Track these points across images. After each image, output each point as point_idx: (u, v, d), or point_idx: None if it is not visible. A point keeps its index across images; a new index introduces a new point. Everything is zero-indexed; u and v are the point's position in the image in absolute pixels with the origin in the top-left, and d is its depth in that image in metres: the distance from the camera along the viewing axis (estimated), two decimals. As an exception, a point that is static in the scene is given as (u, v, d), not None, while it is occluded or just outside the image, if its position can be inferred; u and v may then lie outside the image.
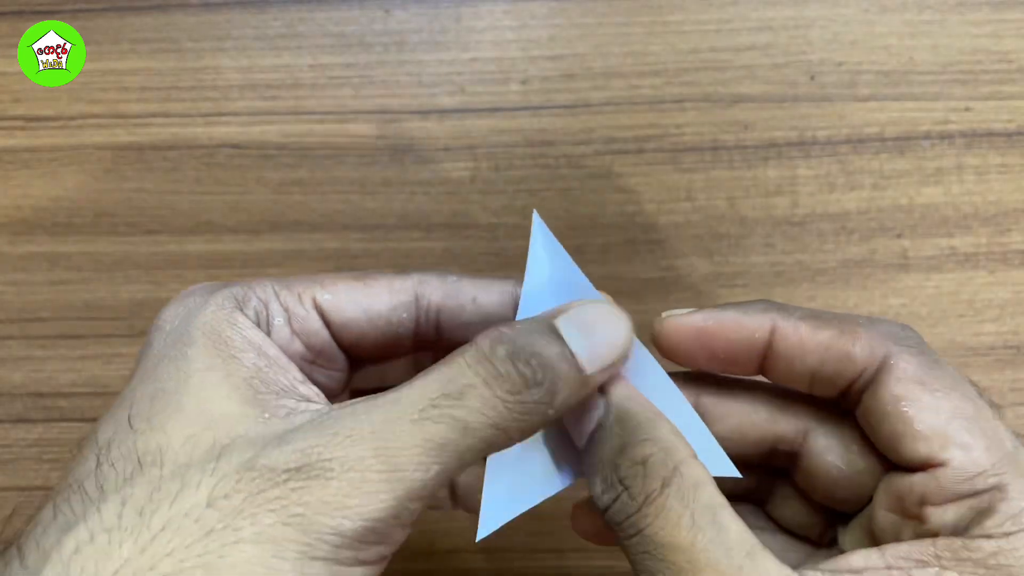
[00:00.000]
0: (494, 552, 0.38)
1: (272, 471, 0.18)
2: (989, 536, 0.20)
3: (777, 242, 0.38)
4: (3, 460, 0.38)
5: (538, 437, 0.24)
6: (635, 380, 0.23)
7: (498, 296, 0.24)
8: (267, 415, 0.19)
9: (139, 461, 0.18)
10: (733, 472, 0.23)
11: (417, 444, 0.19)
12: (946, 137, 0.38)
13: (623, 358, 0.22)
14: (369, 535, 0.18)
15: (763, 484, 0.26)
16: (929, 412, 0.21)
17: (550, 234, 0.24)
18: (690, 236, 0.38)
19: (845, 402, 0.23)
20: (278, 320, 0.22)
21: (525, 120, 0.38)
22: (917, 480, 0.21)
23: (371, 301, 0.23)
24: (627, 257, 0.38)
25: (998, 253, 0.38)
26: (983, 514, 0.20)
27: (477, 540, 0.22)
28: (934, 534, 0.20)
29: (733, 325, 0.23)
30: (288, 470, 0.18)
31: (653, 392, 0.23)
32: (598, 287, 0.38)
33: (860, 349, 0.22)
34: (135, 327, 0.38)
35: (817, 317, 0.23)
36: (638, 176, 0.38)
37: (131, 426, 0.19)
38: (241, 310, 0.22)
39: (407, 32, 0.39)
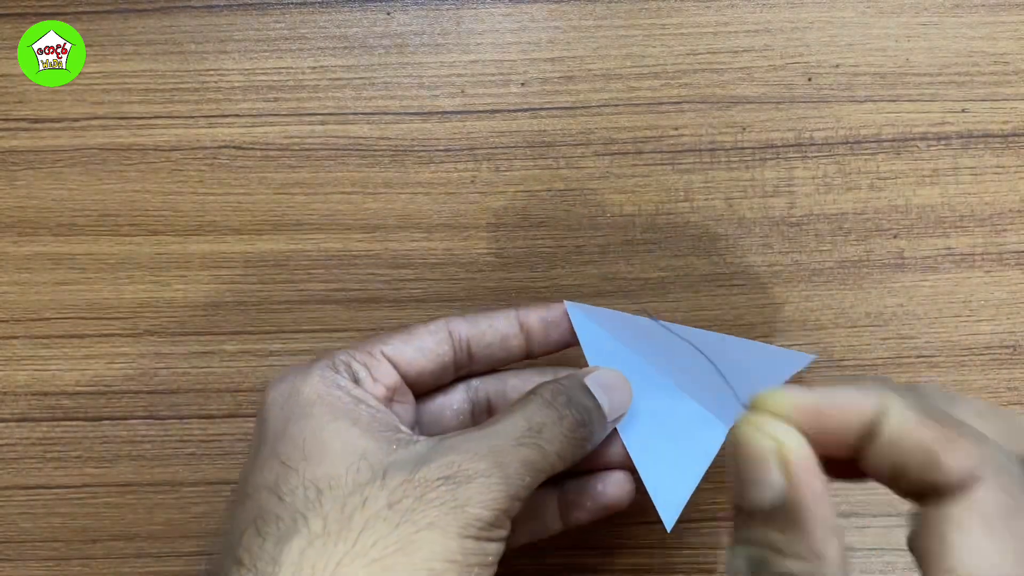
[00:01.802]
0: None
1: (428, 480, 0.25)
2: None
3: (774, 242, 0.38)
4: (6, 459, 0.38)
5: (669, 423, 0.32)
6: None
7: (505, 320, 0.32)
8: (394, 447, 0.26)
9: (317, 487, 0.25)
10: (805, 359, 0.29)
11: (518, 461, 0.26)
12: (942, 138, 0.38)
13: (625, 414, 0.31)
14: (497, 520, 0.25)
15: None
16: (970, 551, 0.19)
17: (587, 311, 0.33)
18: (688, 236, 0.38)
19: (915, 499, 0.21)
20: (362, 373, 0.29)
21: (525, 121, 0.39)
22: None
23: (420, 342, 0.31)
24: (626, 257, 0.38)
25: (994, 253, 0.38)
26: None
27: (668, 530, 0.30)
28: None
29: (843, 404, 0.22)
30: (440, 478, 0.25)
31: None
32: (598, 287, 0.38)
33: (956, 464, 0.20)
34: (138, 326, 0.38)
35: (928, 413, 0.21)
36: (637, 177, 0.38)
37: (291, 467, 0.26)
38: (336, 372, 0.28)
39: (408, 34, 0.39)
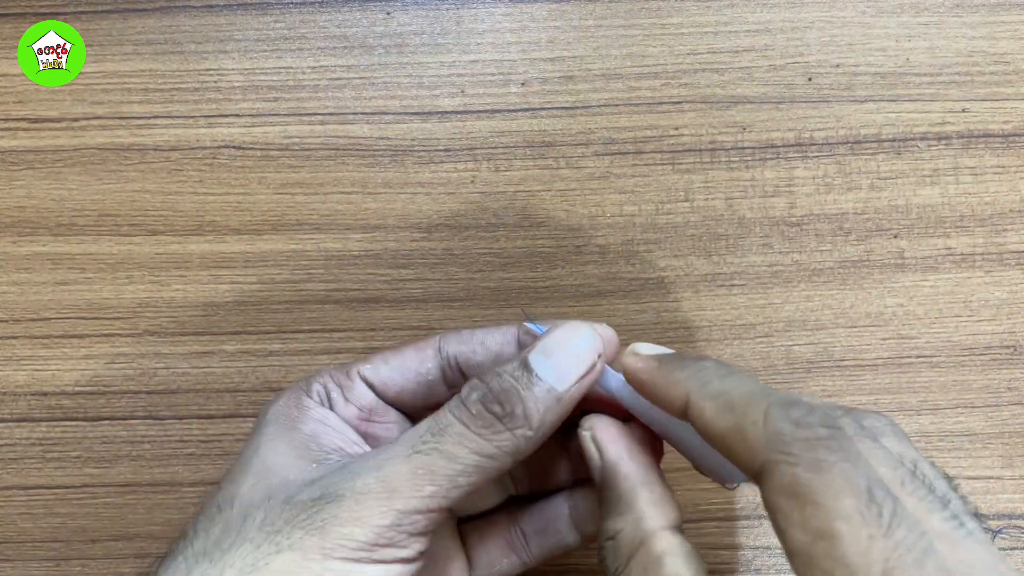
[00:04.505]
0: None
1: (302, 502, 0.24)
2: None
3: (775, 242, 0.38)
4: (7, 459, 0.38)
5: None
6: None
7: (501, 336, 0.29)
8: (315, 465, 0.25)
9: (219, 507, 0.25)
10: (735, 476, 0.25)
11: (409, 471, 0.24)
12: (943, 138, 0.38)
13: (590, 370, 0.26)
14: (378, 539, 0.23)
15: None
16: (797, 530, 0.20)
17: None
18: (688, 236, 0.38)
19: None
20: (335, 394, 0.29)
21: (525, 121, 0.38)
22: None
23: (401, 361, 0.29)
24: (626, 257, 0.38)
25: (994, 253, 0.38)
26: None
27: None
28: None
29: (660, 386, 0.25)
30: (313, 499, 0.24)
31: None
32: (598, 287, 0.38)
33: (744, 450, 0.22)
34: (138, 327, 0.38)
35: (726, 398, 0.23)
36: (637, 177, 0.38)
37: (218, 487, 0.26)
38: (307, 394, 0.28)
39: (408, 34, 0.39)
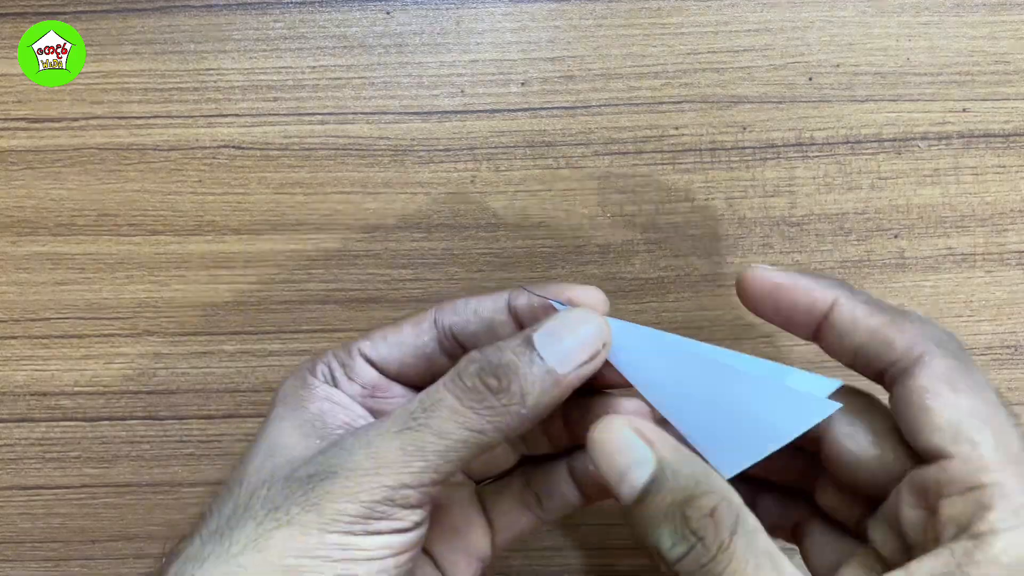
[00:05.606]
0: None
1: (299, 479, 0.25)
2: (994, 531, 0.22)
3: (775, 242, 0.38)
4: (6, 459, 0.38)
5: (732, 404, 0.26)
6: (667, 363, 0.27)
7: (492, 304, 0.29)
8: (319, 441, 0.26)
9: (230, 488, 0.26)
10: (831, 406, 0.25)
11: (398, 448, 0.24)
12: (943, 138, 0.38)
13: (594, 357, 0.26)
14: (371, 514, 0.24)
15: (811, 471, 0.29)
16: (948, 407, 0.23)
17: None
18: (689, 236, 0.38)
19: (882, 383, 0.26)
20: (338, 373, 0.29)
21: (525, 121, 0.38)
22: (932, 471, 0.23)
23: (398, 337, 0.29)
24: (626, 257, 0.38)
25: (995, 253, 0.38)
26: (984, 508, 0.22)
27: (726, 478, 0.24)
28: (944, 525, 0.23)
29: (804, 288, 0.26)
30: (309, 476, 0.25)
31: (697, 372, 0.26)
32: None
33: (902, 341, 0.24)
34: (137, 327, 0.38)
35: (876, 304, 0.26)
36: (637, 177, 0.38)
37: (233, 469, 0.27)
38: (312, 373, 0.29)
39: (407, 34, 0.39)
